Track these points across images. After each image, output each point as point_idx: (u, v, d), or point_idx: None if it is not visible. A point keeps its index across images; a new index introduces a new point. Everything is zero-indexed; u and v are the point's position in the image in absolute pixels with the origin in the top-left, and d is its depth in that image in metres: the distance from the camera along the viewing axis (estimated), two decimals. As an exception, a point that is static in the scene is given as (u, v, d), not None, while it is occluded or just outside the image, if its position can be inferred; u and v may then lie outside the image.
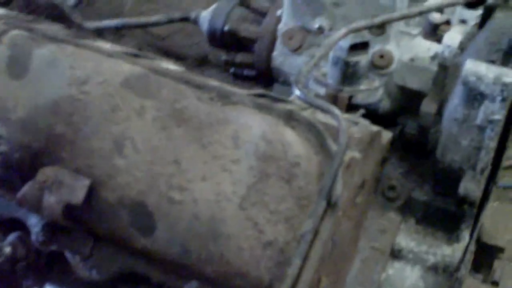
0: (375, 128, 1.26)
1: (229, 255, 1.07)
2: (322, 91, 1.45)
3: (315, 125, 1.16)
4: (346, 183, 1.14)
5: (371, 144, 1.24)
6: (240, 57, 1.65)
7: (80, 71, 1.17)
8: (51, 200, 1.10)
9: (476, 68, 1.27)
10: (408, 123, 1.48)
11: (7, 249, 1.20)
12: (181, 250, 1.09)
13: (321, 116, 1.20)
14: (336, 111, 1.14)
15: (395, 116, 1.50)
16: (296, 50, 1.52)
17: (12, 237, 1.22)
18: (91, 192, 1.11)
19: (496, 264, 1.90)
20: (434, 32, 1.52)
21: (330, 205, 1.11)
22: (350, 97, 1.45)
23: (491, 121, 1.27)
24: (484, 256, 1.84)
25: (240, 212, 1.07)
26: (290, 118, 1.16)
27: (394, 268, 1.37)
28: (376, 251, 1.37)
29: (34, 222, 1.20)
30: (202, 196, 1.08)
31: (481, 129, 1.29)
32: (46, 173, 1.12)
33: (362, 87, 1.46)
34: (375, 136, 1.26)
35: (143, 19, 1.74)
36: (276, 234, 1.08)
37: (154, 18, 1.75)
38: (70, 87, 1.16)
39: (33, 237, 1.20)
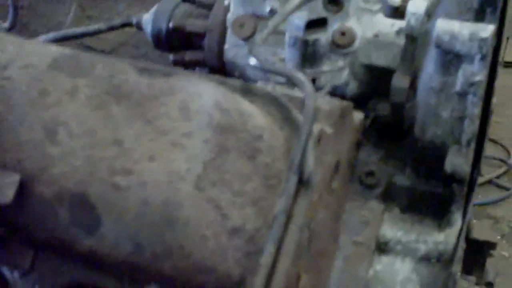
0: (345, 102, 1.12)
1: (190, 245, 0.90)
2: (281, 78, 1.31)
3: (276, 97, 1.02)
4: (318, 161, 0.99)
5: (342, 120, 1.10)
6: (189, 55, 1.50)
7: (0, 54, 1.01)
8: None
9: (448, 26, 1.15)
10: (379, 105, 1.34)
11: None
12: (132, 247, 0.92)
13: (282, 89, 1.06)
14: (300, 74, 0.99)
15: (364, 100, 1.36)
16: (249, 39, 1.38)
17: None
18: (23, 189, 0.94)
19: (490, 262, 1.75)
20: (394, 15, 1.40)
21: (303, 182, 0.96)
22: (313, 80, 1.31)
23: (472, 84, 1.14)
24: (475, 254, 1.69)
25: (198, 193, 0.91)
26: (246, 91, 1.02)
27: (382, 263, 1.21)
28: (360, 246, 1.21)
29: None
30: (151, 178, 0.92)
31: (462, 95, 1.17)
32: None
33: (325, 68, 1.32)
34: (346, 111, 1.12)
35: (82, 28, 1.59)
36: (243, 219, 0.92)
37: (93, 27, 1.60)
38: None
39: (-38, 256, 1.02)
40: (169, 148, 0.93)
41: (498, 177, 4.36)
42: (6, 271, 1.02)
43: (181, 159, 0.93)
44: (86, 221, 0.93)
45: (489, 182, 4.29)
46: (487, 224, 3.87)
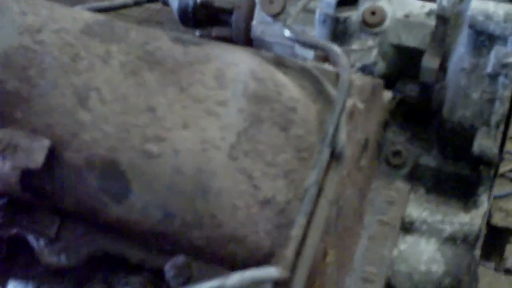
0: (376, 79, 1.12)
1: (221, 215, 0.90)
2: (310, 54, 1.30)
3: (309, 70, 1.01)
4: (348, 137, 0.99)
5: (373, 97, 1.09)
6: (216, 31, 1.49)
7: (33, 17, 1.00)
8: (5, 167, 0.92)
9: (483, 7, 1.14)
10: (407, 86, 1.33)
11: (-41, 238, 1.02)
12: (162, 215, 0.91)
13: (314, 63, 1.05)
14: (335, 47, 0.99)
15: (392, 81, 1.35)
16: (278, 16, 1.37)
17: (-36, 223, 1.04)
18: (52, 154, 0.93)
19: (509, 249, 1.75)
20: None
21: (335, 156, 0.95)
22: (342, 59, 1.30)
23: (504, 66, 1.13)
24: (495, 240, 1.69)
25: (231, 163, 0.90)
26: (280, 63, 1.01)
27: (407, 243, 1.21)
28: (385, 225, 1.21)
29: (-11, 205, 1.02)
30: (184, 146, 0.91)
31: (493, 77, 1.16)
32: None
33: (354, 46, 1.31)
34: (377, 89, 1.11)
35: (107, 3, 1.58)
36: (275, 190, 0.91)
37: (119, 1, 1.59)
38: (22, 36, 0.98)
39: (-11, 222, 1.02)
40: (203, 116, 0.92)
41: (510, 170, 4.33)
42: (32, 239, 1.01)
43: (215, 127, 0.92)
44: (116, 188, 0.93)
45: (501, 175, 4.27)
46: (498, 217, 3.87)
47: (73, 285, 1.05)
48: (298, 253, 0.89)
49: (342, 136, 0.95)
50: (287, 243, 0.88)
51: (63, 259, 0.99)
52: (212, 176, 0.90)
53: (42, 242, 1.00)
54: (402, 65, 1.35)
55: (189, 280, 0.89)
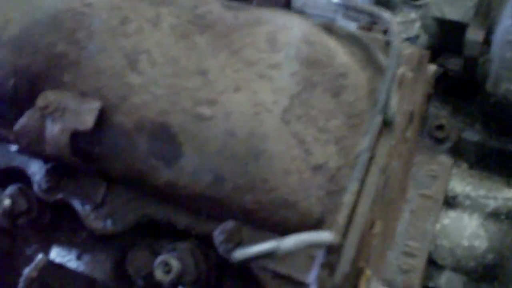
0: (423, 50, 1.10)
1: (273, 179, 0.89)
2: (352, 27, 1.29)
3: (359, 37, 1.00)
4: (397, 106, 0.97)
5: (420, 67, 1.08)
6: (257, 2, 1.47)
7: None
8: (55, 129, 0.92)
9: (531, -23, 1.12)
10: (449, 60, 1.31)
11: (6, 201, 1.02)
12: (213, 179, 0.90)
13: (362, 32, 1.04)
14: (386, 14, 0.97)
15: (434, 54, 1.33)
16: (319, -13, 1.36)
17: (11, 188, 1.04)
18: (102, 118, 0.93)
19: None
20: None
21: (386, 124, 0.94)
22: (385, 31, 1.28)
23: (551, 38, 1.11)
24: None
25: (283, 127, 0.89)
26: (330, 30, 1.00)
27: (450, 218, 1.19)
28: (428, 199, 1.19)
29: (35, 170, 1.02)
30: (236, 109, 0.90)
31: (540, 49, 1.13)
32: (48, 98, 0.93)
33: (397, 19, 1.30)
34: (424, 59, 1.10)
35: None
36: (326, 156, 0.90)
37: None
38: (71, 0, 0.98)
39: (36, 186, 1.02)
40: (255, 80, 0.91)
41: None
42: (77, 204, 1.01)
43: (268, 91, 0.91)
44: (166, 151, 0.92)
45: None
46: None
47: (117, 251, 1.04)
48: (349, 220, 0.88)
49: (394, 103, 0.93)
50: (338, 209, 0.87)
51: (109, 225, 0.98)
52: (264, 139, 0.89)
53: (87, 207, 0.99)
54: (445, 38, 1.33)
55: (239, 245, 0.88)
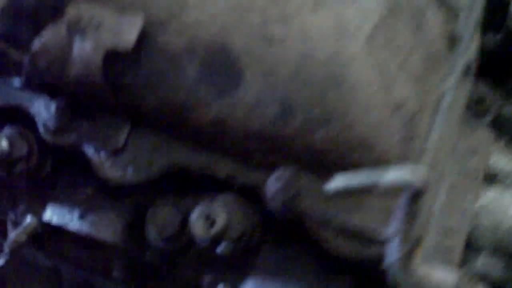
0: None
1: (353, 113, 0.74)
2: None
3: None
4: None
5: None
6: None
7: None
8: (86, 46, 0.75)
9: None
10: (487, 37, 1.21)
11: (3, 144, 0.85)
12: (279, 110, 0.75)
13: None
14: None
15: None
16: None
17: (9, 129, 0.87)
18: (145, 37, 0.76)
19: None
20: None
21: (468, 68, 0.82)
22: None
23: None
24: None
25: (367, 55, 0.75)
26: None
27: (490, 196, 1.08)
28: (467, 175, 1.07)
29: (40, 108, 0.85)
30: (314, 30, 0.75)
31: None
32: (80, 9, 0.76)
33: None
34: None
35: None
36: (406, 95, 0.77)
37: None
38: None
39: (41, 127, 0.85)
40: None
41: None
42: (89, 150, 0.84)
43: (352, 12, 0.77)
44: (222, 78, 0.76)
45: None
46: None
47: (130, 209, 0.89)
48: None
49: (474, 48, 0.81)
50: (415, 155, 0.76)
51: (129, 174, 0.82)
52: (346, 66, 0.74)
53: (103, 153, 0.83)
54: (484, 12, 1.23)
55: (297, 196, 0.74)
